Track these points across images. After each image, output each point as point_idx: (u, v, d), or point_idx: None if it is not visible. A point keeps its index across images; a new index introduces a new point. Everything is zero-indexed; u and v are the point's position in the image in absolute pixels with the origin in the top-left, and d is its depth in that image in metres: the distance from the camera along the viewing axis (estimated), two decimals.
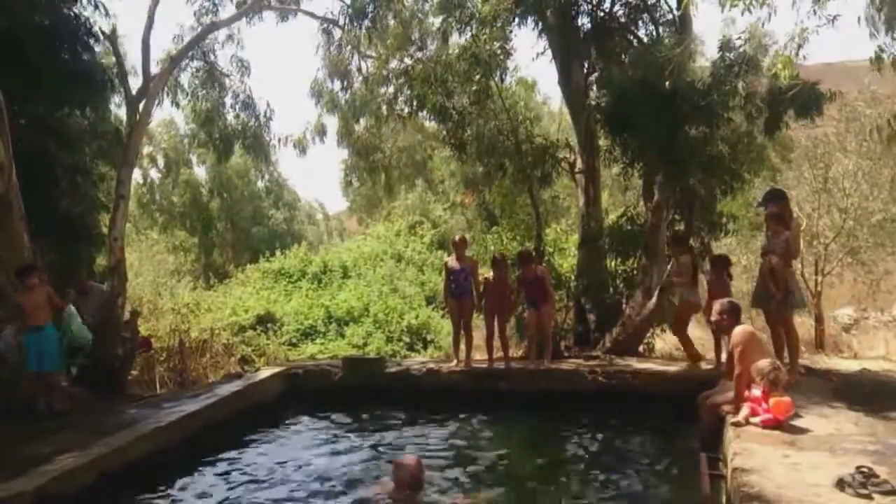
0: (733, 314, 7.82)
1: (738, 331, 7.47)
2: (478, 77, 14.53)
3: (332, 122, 22.45)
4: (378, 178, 24.24)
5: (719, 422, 7.47)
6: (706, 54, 13.26)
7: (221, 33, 17.18)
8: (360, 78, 18.87)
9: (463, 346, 11.96)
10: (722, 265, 10.64)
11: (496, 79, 14.75)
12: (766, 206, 9.66)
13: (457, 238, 12.35)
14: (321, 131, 22.96)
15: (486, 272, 12.18)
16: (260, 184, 46.55)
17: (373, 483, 7.31)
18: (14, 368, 9.43)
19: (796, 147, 19.77)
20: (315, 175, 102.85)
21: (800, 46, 9.88)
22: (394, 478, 6.75)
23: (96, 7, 13.29)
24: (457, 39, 14.90)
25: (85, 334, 10.52)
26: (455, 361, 11.83)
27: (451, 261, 11.90)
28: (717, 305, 8.09)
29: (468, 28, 14.43)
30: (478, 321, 12.88)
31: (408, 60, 15.61)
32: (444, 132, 15.45)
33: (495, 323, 11.89)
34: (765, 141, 13.17)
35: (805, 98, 11.69)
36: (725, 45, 12.27)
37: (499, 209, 17.23)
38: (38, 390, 9.33)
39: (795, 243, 9.24)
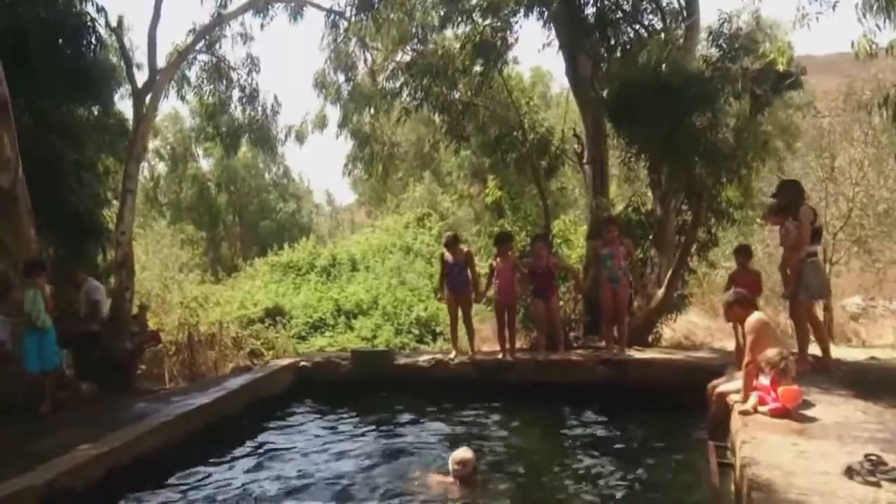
0: (743, 304, 7.82)
1: (751, 319, 7.45)
2: (480, 68, 14.53)
3: (336, 114, 22.43)
4: (376, 170, 24.19)
5: (728, 411, 7.47)
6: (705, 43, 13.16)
7: (229, 27, 17.18)
8: (366, 69, 18.86)
9: (465, 339, 11.94)
10: (745, 254, 10.56)
11: (498, 68, 14.74)
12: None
13: (444, 240, 12.32)
14: (323, 123, 22.99)
15: (482, 261, 12.09)
16: (267, 177, 46.61)
17: (428, 476, 7.28)
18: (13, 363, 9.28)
19: (802, 136, 19.76)
20: (324, 168, 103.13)
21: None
22: (455, 475, 6.81)
23: (98, 10, 13.28)
24: (459, 30, 14.90)
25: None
26: (454, 353, 11.79)
27: (447, 254, 11.86)
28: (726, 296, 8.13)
29: (471, 19, 14.41)
30: (487, 312, 12.85)
31: (410, 53, 15.59)
32: (447, 124, 15.44)
33: (505, 316, 11.84)
34: (768, 128, 13.10)
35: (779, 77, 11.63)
36: (716, 33, 12.27)
37: (506, 201, 17.17)
38: (38, 390, 9.13)
39: (799, 232, 9.05)
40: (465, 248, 12.17)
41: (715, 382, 8.28)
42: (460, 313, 11.92)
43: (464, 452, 6.95)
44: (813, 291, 9.12)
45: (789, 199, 9.28)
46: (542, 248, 11.69)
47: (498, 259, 11.75)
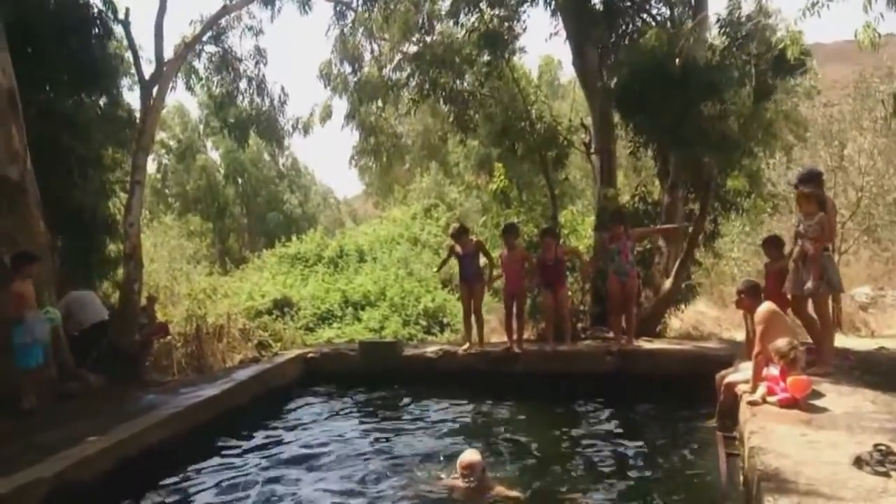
0: (752, 293, 7.79)
1: (761, 309, 7.44)
2: (487, 58, 14.51)
3: (342, 106, 22.51)
4: (380, 161, 24.26)
5: (736, 401, 7.46)
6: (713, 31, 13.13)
7: (238, 20, 17.13)
8: (372, 60, 18.84)
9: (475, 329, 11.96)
10: (773, 245, 9.98)
11: (506, 58, 14.71)
12: (799, 187, 9.24)
13: (451, 231, 12.31)
14: (329, 115, 23.00)
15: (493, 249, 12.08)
16: (274, 169, 46.65)
17: (438, 478, 7.04)
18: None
19: (811, 125, 19.68)
20: (325, 161, 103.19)
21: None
22: (466, 479, 6.46)
23: (105, 2, 13.23)
24: (466, 20, 14.87)
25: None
26: (468, 344, 11.82)
27: (456, 246, 11.86)
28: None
29: (478, 9, 14.39)
30: (495, 303, 12.82)
31: (417, 44, 15.58)
32: (454, 114, 15.42)
33: (513, 306, 11.82)
34: (774, 116, 13.03)
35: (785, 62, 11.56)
36: (724, 21, 12.23)
37: (511, 191, 17.11)
38: (30, 387, 8.78)
39: (831, 225, 8.80)
40: (473, 238, 12.16)
41: (723, 373, 8.27)
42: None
43: (470, 456, 6.62)
44: (834, 284, 8.89)
45: (822, 189, 9.02)
46: (550, 242, 11.68)
47: (505, 250, 11.74)
